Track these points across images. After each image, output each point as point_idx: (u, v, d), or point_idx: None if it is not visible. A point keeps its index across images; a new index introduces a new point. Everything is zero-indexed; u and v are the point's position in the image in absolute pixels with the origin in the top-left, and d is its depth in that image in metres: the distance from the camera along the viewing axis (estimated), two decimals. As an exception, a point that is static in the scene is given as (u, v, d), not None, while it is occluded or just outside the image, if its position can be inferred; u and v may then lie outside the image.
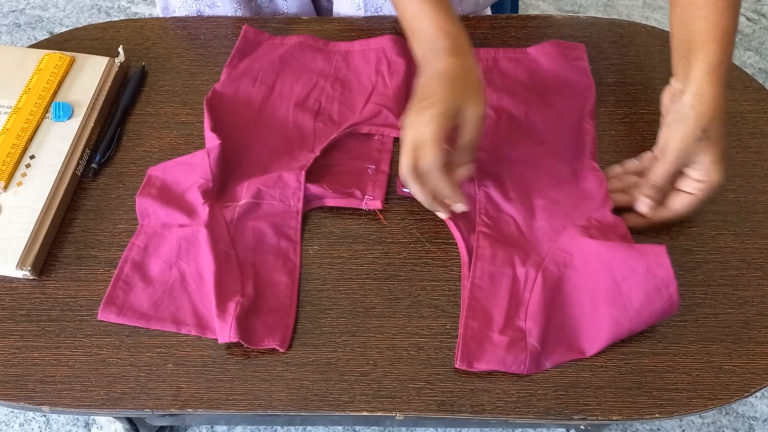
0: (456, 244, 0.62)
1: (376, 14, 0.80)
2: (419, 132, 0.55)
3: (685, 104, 0.59)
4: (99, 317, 0.58)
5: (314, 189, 0.64)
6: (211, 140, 0.66)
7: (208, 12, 0.82)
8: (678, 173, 0.61)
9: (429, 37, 0.60)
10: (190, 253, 0.60)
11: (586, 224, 0.60)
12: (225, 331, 0.55)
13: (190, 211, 0.62)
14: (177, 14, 0.82)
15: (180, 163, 0.65)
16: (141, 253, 0.60)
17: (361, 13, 0.80)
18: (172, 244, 0.61)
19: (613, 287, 0.56)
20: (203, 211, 0.61)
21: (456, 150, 0.58)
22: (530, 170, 0.65)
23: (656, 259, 0.56)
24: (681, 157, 0.59)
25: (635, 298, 0.55)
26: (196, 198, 0.62)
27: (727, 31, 0.59)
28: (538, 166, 0.66)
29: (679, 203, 0.61)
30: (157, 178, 0.64)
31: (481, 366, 0.55)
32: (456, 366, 0.55)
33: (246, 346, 0.55)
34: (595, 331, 0.56)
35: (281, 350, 0.56)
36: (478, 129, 0.57)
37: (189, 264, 0.60)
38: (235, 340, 0.55)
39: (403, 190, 0.64)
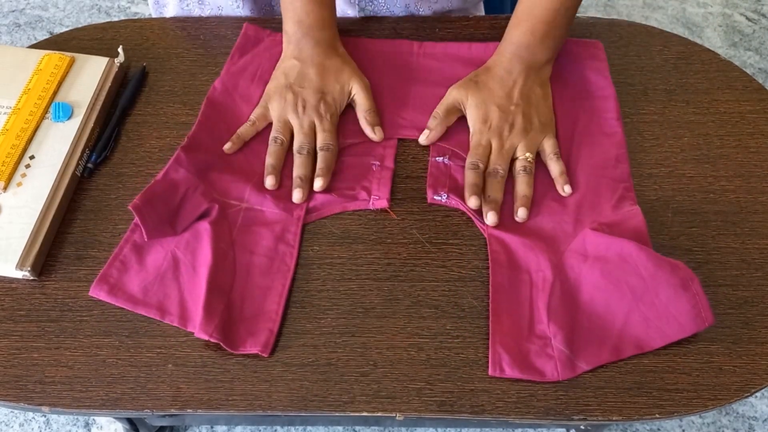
0: (457, 244, 0.62)
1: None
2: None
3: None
4: (90, 293, 0.58)
5: (320, 197, 0.64)
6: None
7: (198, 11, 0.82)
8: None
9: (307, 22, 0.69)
10: (189, 245, 0.60)
11: (597, 227, 0.60)
12: (207, 329, 0.55)
13: (196, 214, 0.62)
14: (179, 14, 0.82)
15: (160, 190, 0.61)
16: (142, 236, 0.60)
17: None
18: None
19: (639, 282, 0.56)
20: (213, 209, 0.61)
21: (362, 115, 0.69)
22: (539, 171, 0.65)
23: (675, 261, 0.56)
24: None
25: (662, 293, 0.55)
26: (198, 202, 0.62)
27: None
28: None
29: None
30: (146, 206, 0.60)
31: (514, 373, 0.54)
32: (489, 374, 0.54)
33: (226, 349, 0.55)
34: (626, 329, 0.55)
35: (264, 355, 0.55)
36: (369, 97, 0.69)
37: (186, 255, 0.60)
38: (214, 339, 0.55)
39: (434, 198, 0.64)
